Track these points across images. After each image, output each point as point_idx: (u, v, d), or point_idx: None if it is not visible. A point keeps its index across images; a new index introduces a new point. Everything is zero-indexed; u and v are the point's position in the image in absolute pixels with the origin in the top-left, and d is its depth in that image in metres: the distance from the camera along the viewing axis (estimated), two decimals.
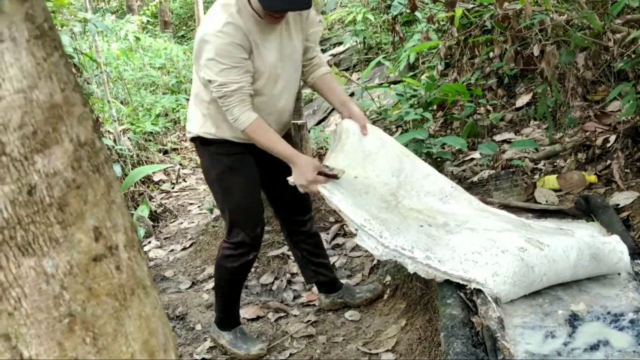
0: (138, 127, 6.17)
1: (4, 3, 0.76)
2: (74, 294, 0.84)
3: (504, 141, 3.76)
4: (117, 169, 4.74)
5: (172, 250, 4.11)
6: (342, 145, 2.45)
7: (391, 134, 4.65)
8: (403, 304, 2.75)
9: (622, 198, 2.71)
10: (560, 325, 1.97)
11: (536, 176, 3.24)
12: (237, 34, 2.20)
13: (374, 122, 5.07)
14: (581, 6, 3.20)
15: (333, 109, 5.99)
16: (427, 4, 4.88)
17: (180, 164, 6.11)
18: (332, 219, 3.77)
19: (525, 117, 3.95)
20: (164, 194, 5.37)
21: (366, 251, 2.71)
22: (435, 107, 3.91)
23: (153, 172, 5.44)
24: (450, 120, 4.12)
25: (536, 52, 3.28)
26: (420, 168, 2.54)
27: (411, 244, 2.15)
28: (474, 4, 4.05)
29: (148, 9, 10.11)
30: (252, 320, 2.97)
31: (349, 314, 2.86)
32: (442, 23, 4.82)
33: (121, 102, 6.62)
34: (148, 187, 5.25)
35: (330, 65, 6.63)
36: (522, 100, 4.12)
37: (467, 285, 2.09)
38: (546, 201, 2.90)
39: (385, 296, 2.90)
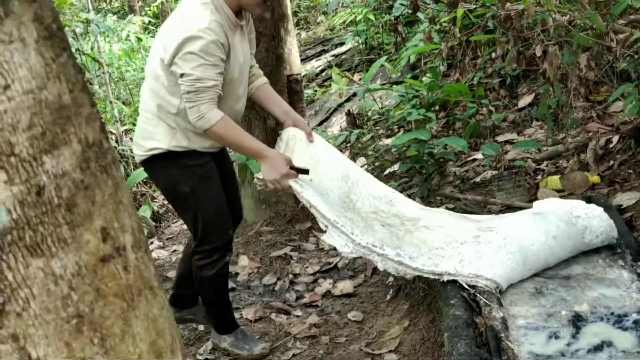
0: None
1: (12, 4, 0.76)
2: (82, 295, 0.84)
3: (506, 142, 3.76)
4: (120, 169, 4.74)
5: (174, 250, 4.11)
6: (291, 150, 2.47)
7: (393, 134, 4.65)
8: (406, 305, 2.75)
9: (625, 199, 2.71)
10: (563, 326, 1.97)
11: (539, 177, 3.24)
12: (222, 34, 2.20)
13: (375, 123, 5.08)
14: (584, 6, 3.20)
15: (335, 109, 5.99)
16: (429, 4, 4.88)
17: None
18: None
19: (527, 117, 3.95)
20: None
21: None
22: (437, 107, 3.91)
23: None
24: (452, 120, 4.12)
25: (538, 53, 3.28)
26: (364, 174, 2.63)
27: (380, 241, 2.23)
28: (476, 4, 4.05)
29: (150, 10, 10.10)
30: (255, 320, 2.96)
31: (352, 315, 2.86)
32: (444, 24, 4.82)
33: (123, 103, 6.62)
34: (150, 187, 5.25)
35: (332, 66, 6.64)
36: (525, 100, 4.12)
37: (459, 283, 2.16)
38: None
39: (388, 297, 2.90)
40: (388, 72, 5.54)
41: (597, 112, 3.41)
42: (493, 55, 4.05)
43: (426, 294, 2.64)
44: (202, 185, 2.39)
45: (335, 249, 2.30)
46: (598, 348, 1.85)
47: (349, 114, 5.25)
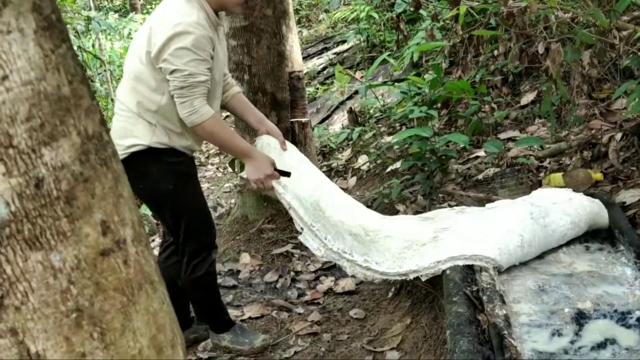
0: None
1: None
2: (82, 289, 0.83)
3: (509, 139, 3.75)
4: None
5: None
6: None
7: (395, 132, 4.64)
8: (408, 302, 2.74)
9: (628, 196, 2.69)
10: (566, 323, 1.95)
11: (542, 174, 3.22)
12: (210, 30, 2.21)
13: (377, 121, 5.07)
14: (587, 3, 3.18)
15: (337, 107, 5.98)
16: (431, 1, 4.87)
17: None
18: None
19: (530, 115, 3.94)
20: None
21: None
22: (439, 105, 3.89)
23: None
24: (454, 118, 4.11)
25: (541, 50, 3.26)
26: (332, 185, 2.74)
27: (350, 248, 2.44)
28: (478, 1, 4.03)
29: (151, 8, 10.09)
30: (256, 318, 2.96)
31: (354, 312, 2.85)
32: (446, 22, 4.81)
33: None
34: None
35: (334, 64, 6.63)
36: (527, 98, 4.11)
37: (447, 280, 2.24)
38: None
39: (390, 294, 2.89)
40: (390, 70, 5.53)
41: (600, 110, 3.39)
42: (495, 52, 4.05)
43: (428, 292, 2.63)
44: (184, 183, 2.38)
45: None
46: (601, 345, 1.84)
47: (350, 111, 5.24)
